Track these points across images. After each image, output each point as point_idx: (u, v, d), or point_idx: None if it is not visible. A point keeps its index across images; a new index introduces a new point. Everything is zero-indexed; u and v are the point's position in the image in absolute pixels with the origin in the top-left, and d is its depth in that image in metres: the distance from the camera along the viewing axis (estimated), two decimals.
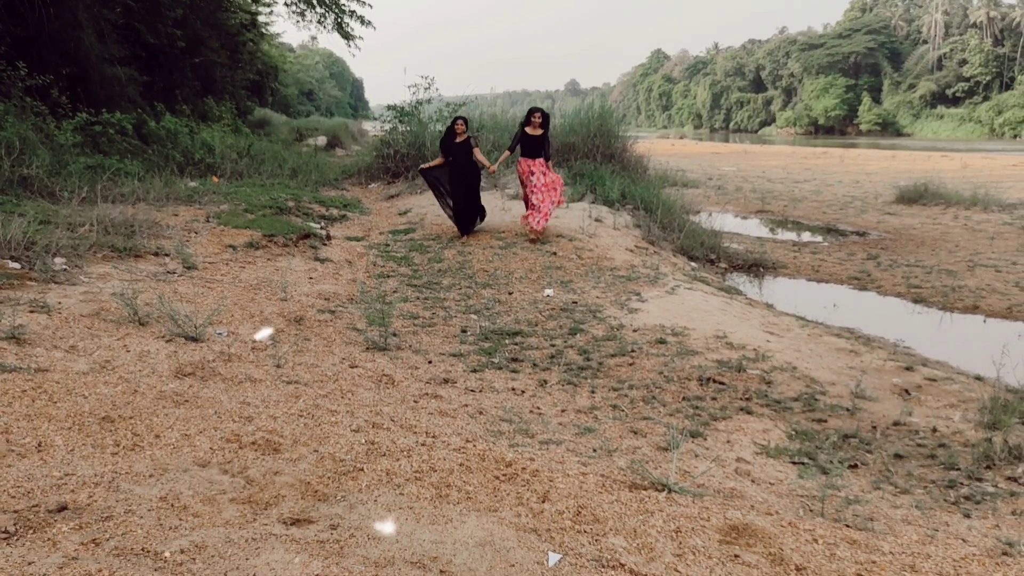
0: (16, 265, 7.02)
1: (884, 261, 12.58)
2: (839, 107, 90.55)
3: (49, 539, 2.80)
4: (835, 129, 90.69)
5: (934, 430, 5.42)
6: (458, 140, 11.24)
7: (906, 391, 6.25)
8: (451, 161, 11.31)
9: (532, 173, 11.04)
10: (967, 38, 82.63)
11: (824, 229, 16.80)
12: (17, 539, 2.78)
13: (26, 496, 3.06)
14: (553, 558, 3.15)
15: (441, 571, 2.93)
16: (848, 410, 5.71)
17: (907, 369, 6.84)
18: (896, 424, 5.50)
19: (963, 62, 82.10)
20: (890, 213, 17.82)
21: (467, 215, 11.42)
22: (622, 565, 3.13)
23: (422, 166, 12.10)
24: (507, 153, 11.77)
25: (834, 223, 17.28)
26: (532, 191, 11.06)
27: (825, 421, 5.52)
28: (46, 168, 10.84)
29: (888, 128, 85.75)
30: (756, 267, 12.22)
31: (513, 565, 3.06)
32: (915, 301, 10.26)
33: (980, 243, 13.90)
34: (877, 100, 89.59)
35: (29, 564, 2.60)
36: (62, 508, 3.01)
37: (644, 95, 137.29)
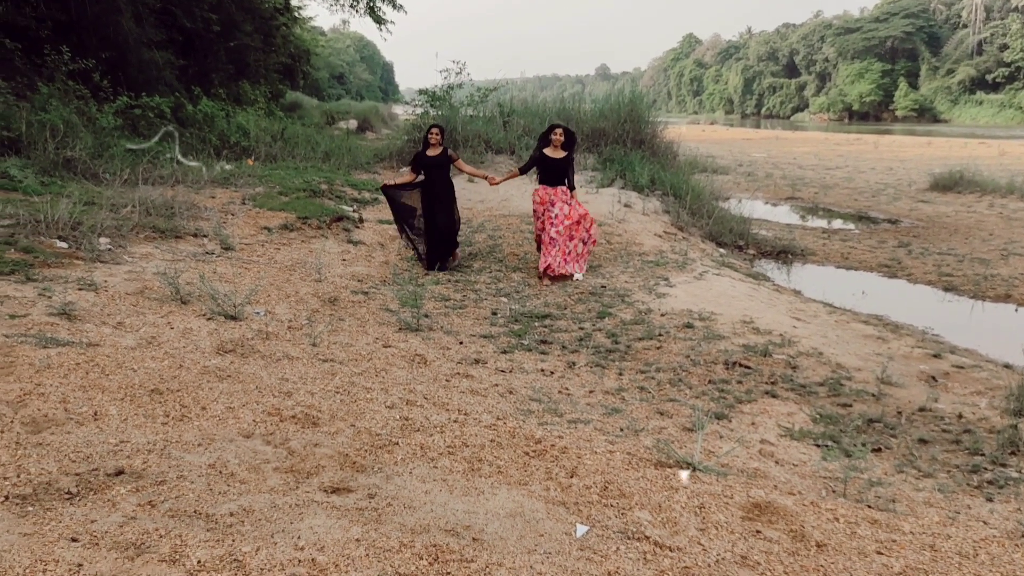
0: (64, 244, 7.27)
1: (916, 249, 12.52)
2: (874, 92, 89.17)
3: (109, 500, 2.99)
4: (870, 115, 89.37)
5: (960, 416, 5.47)
6: (430, 153, 9.08)
7: (933, 378, 6.29)
8: (424, 180, 9.20)
9: (552, 204, 8.80)
10: (1008, 22, 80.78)
11: (855, 216, 16.71)
12: (80, 499, 2.97)
13: (86, 460, 3.26)
14: (581, 529, 3.29)
15: (474, 539, 3.08)
16: (874, 395, 5.78)
17: (935, 356, 6.88)
18: (922, 410, 5.56)
19: (1004, 47, 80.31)
20: (923, 201, 17.67)
21: (440, 246, 9.20)
22: (647, 537, 3.26)
23: (386, 182, 9.60)
24: (515, 173, 9.47)
25: (865, 210, 17.17)
26: (551, 223, 8.77)
27: (850, 406, 5.59)
28: (89, 150, 11.12)
29: (925, 114, 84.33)
30: (785, 254, 12.23)
31: (542, 535, 3.20)
32: (946, 289, 10.23)
33: (1015, 231, 13.77)
34: (914, 86, 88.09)
35: (92, 522, 2.78)
36: (119, 472, 3.20)
37: (675, 80, 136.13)
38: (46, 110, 11.75)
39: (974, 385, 6.19)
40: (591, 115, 17.07)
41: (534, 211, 8.98)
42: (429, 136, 9.07)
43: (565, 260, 8.67)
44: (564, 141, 8.83)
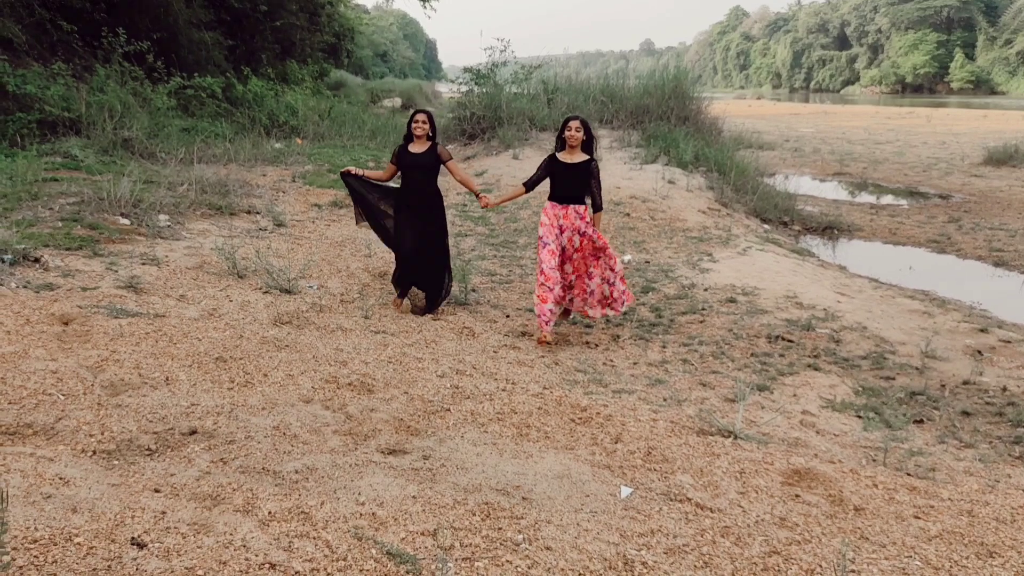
0: (126, 221, 7.59)
1: (966, 224, 12.35)
2: (929, 64, 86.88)
3: (185, 457, 3.22)
4: (924, 87, 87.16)
5: (1004, 389, 5.49)
6: (413, 149, 6.49)
7: (978, 352, 6.30)
8: (400, 185, 6.69)
9: (563, 230, 6.22)
10: None
11: (905, 192, 16.46)
12: (158, 455, 3.21)
13: (162, 421, 3.50)
14: (625, 491, 3.45)
15: (523, 498, 3.25)
16: (917, 369, 5.81)
17: (981, 331, 6.86)
18: (965, 383, 5.59)
19: None
20: (976, 175, 17.32)
21: (415, 269, 6.58)
22: (689, 499, 3.40)
23: (348, 168, 6.81)
24: (520, 191, 6.58)
25: (916, 186, 16.90)
26: (566, 260, 6.31)
27: (893, 379, 5.64)
28: (145, 130, 11.48)
29: (982, 86, 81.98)
30: (830, 229, 12.14)
31: (588, 496, 3.36)
32: (996, 264, 10.11)
33: None
34: (970, 57, 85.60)
35: (171, 475, 3.01)
36: (192, 432, 3.43)
37: (721, 54, 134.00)
38: (103, 92, 12.15)
39: (1020, 359, 6.18)
40: (635, 92, 17.01)
41: (539, 238, 6.23)
42: (413, 125, 6.46)
43: (594, 305, 6.37)
44: (584, 140, 6.14)
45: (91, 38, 14.93)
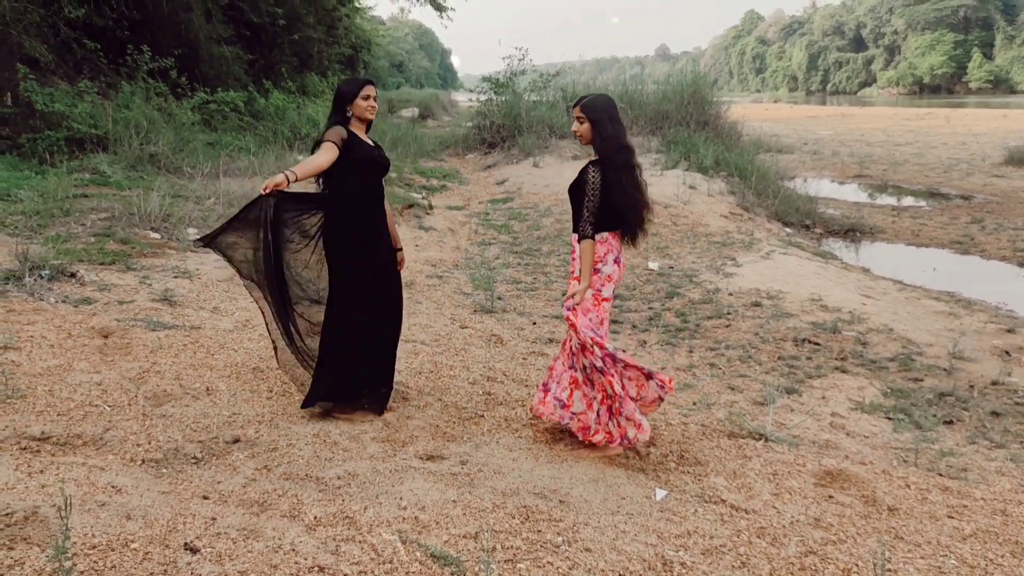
0: (156, 235, 7.72)
1: (989, 225, 12.29)
2: (946, 64, 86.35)
3: (229, 464, 3.31)
4: (942, 88, 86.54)
5: None
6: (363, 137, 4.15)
7: (1006, 352, 6.29)
8: (358, 191, 4.14)
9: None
10: None
11: (926, 193, 16.39)
12: (204, 463, 3.29)
13: (205, 430, 3.59)
14: (660, 493, 3.50)
15: (561, 501, 3.31)
16: (945, 370, 5.82)
17: (1008, 331, 6.84)
18: (994, 383, 5.59)
19: None
20: (998, 176, 17.22)
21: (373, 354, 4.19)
22: (723, 501, 3.45)
23: (271, 184, 3.66)
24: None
25: (937, 187, 16.83)
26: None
27: (921, 380, 5.65)
28: (170, 145, 11.65)
29: (1001, 85, 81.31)
30: (852, 232, 12.12)
31: (624, 498, 3.41)
32: (1021, 265, 10.07)
33: None
34: (989, 56, 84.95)
35: (218, 483, 3.10)
36: (236, 440, 3.52)
37: (737, 58, 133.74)
38: (129, 108, 12.34)
39: None
40: (654, 97, 17.08)
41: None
42: (364, 102, 4.08)
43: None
44: (592, 133, 3.92)
45: (115, 55, 15.17)
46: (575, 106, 4.04)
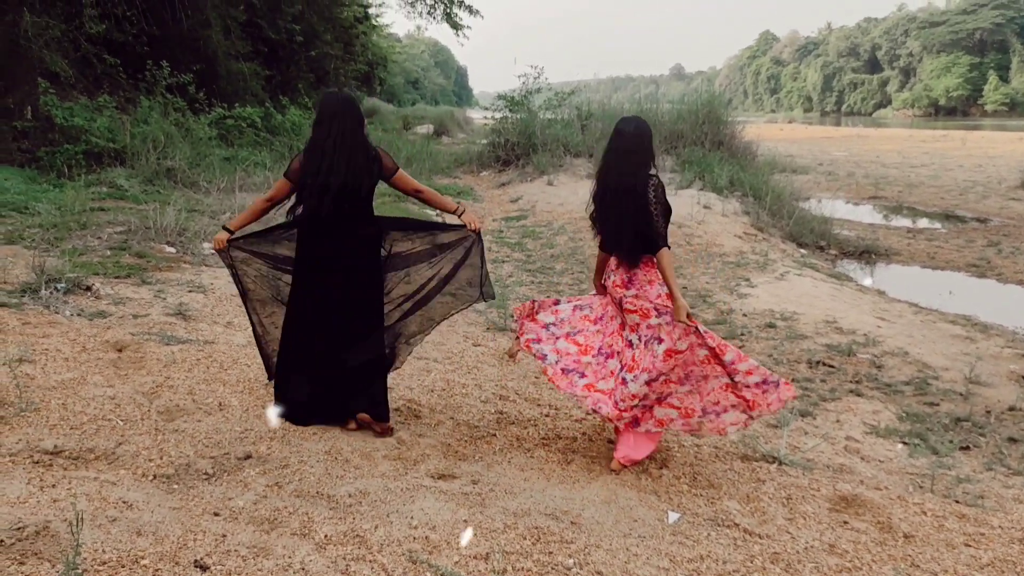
0: (172, 250, 7.76)
1: (1006, 248, 12.20)
2: (962, 87, 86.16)
3: (241, 481, 3.30)
4: (957, 110, 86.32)
5: None
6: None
7: (1023, 377, 6.22)
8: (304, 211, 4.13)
9: (620, 312, 4.03)
10: None
11: (942, 215, 16.30)
12: (216, 479, 3.29)
13: (217, 446, 3.58)
14: (673, 516, 3.46)
15: (572, 522, 3.28)
16: (961, 395, 5.76)
17: None
18: (1012, 409, 5.53)
19: None
20: (1015, 199, 17.11)
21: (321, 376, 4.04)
22: (736, 525, 3.41)
23: (228, 235, 4.55)
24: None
25: (952, 209, 16.73)
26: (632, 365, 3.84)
27: (937, 405, 5.59)
28: (187, 160, 11.75)
29: (1017, 108, 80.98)
30: (867, 254, 12.06)
31: (636, 520, 3.38)
32: None
33: None
34: (1005, 79, 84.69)
35: (229, 499, 3.09)
36: (247, 456, 3.51)
37: (752, 78, 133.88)
38: (147, 123, 12.47)
39: None
40: (669, 116, 17.10)
41: (580, 313, 4.22)
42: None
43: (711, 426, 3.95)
44: (629, 144, 4.36)
45: (134, 71, 15.36)
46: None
